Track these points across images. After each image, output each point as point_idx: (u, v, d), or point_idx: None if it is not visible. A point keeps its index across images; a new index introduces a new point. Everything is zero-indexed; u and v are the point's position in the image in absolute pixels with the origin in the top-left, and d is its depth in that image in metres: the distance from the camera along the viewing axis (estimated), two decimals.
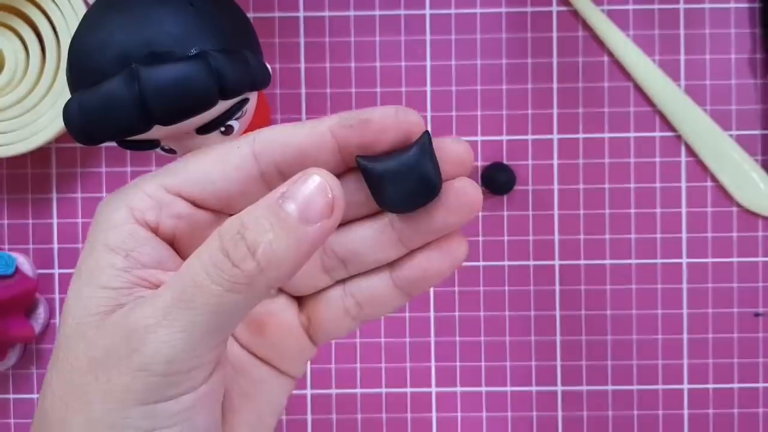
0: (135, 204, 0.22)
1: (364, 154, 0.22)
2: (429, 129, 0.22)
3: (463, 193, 0.22)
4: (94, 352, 0.20)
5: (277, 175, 0.22)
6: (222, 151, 0.22)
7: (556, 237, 0.43)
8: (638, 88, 0.43)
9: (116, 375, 0.20)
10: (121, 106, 0.30)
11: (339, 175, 0.22)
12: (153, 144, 0.33)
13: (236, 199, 0.22)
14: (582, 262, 0.43)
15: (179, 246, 0.22)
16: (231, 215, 0.21)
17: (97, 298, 0.21)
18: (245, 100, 0.34)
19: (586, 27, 0.43)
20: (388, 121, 0.22)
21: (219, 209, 0.22)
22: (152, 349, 0.19)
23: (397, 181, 0.22)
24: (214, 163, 0.22)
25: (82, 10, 0.40)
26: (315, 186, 0.20)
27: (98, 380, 0.20)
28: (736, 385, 0.42)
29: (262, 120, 0.41)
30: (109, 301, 0.21)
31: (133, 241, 0.21)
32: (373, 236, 0.23)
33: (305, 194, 0.20)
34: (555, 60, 0.43)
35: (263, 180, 0.22)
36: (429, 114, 0.43)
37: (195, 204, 0.22)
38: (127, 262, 0.21)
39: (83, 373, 0.20)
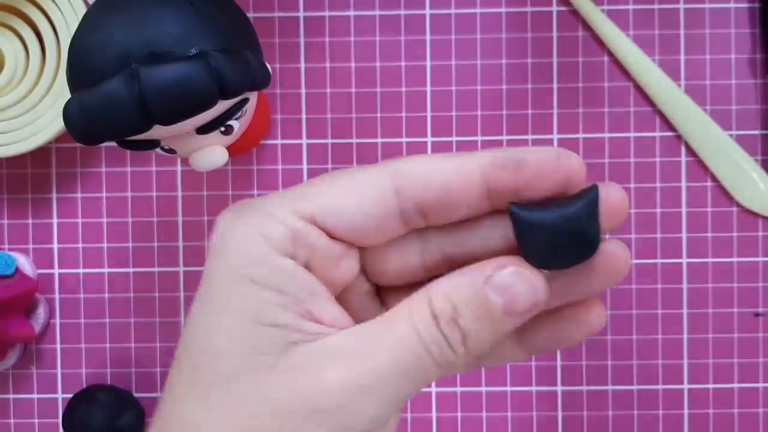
0: (270, 233, 0.20)
1: (516, 200, 0.20)
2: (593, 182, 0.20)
3: (616, 258, 0.21)
4: (277, 399, 0.20)
5: (415, 211, 0.21)
6: (360, 180, 0.21)
7: None
8: (638, 88, 0.43)
9: (307, 426, 0.19)
10: (121, 106, 0.30)
11: (481, 216, 0.21)
12: (153, 144, 0.33)
13: (370, 233, 0.21)
14: None
15: (314, 273, 0.21)
16: (360, 246, 0.21)
17: (263, 338, 0.20)
18: (245, 100, 0.34)
19: (586, 27, 0.43)
20: (547, 166, 0.20)
21: (350, 240, 0.21)
22: (359, 412, 0.19)
23: (554, 237, 0.19)
24: (352, 193, 0.21)
25: (82, 10, 0.40)
26: (525, 285, 0.20)
27: (282, 429, 0.19)
28: (736, 385, 0.43)
29: (261, 120, 0.41)
30: (278, 340, 0.20)
31: (283, 277, 0.20)
32: None
33: (513, 290, 0.20)
34: (555, 60, 0.43)
35: (401, 215, 0.21)
36: (429, 114, 0.43)
37: (328, 234, 0.21)
38: (281, 297, 0.20)
39: (258, 419, 0.20)
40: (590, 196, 0.19)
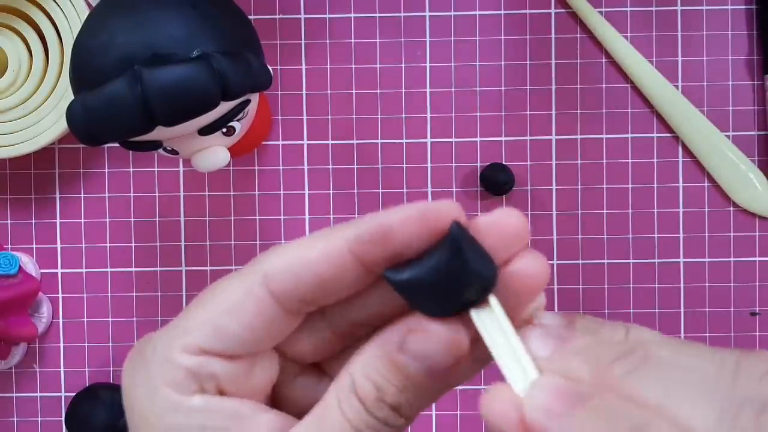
0: (167, 377, 0.20)
1: (392, 265, 0.19)
2: (457, 215, 0.19)
3: (524, 276, 0.19)
4: None
5: (298, 305, 0.20)
6: (232, 296, 0.20)
7: (555, 237, 0.43)
8: (636, 90, 0.43)
9: None
10: (124, 108, 0.30)
11: (369, 286, 0.20)
12: (155, 145, 0.33)
13: (264, 341, 0.20)
14: (580, 261, 0.43)
15: (230, 393, 0.21)
16: (258, 352, 0.20)
17: None
18: (247, 102, 0.34)
19: (585, 29, 0.43)
20: (413, 227, 0.19)
21: (248, 353, 0.20)
22: None
23: (436, 289, 0.18)
24: (229, 312, 0.20)
25: (85, 12, 0.40)
26: (437, 343, 0.19)
27: None
28: None
29: (263, 121, 0.41)
30: None
31: (199, 416, 0.20)
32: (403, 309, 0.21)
33: (428, 352, 0.19)
34: (553, 62, 0.43)
35: (287, 315, 0.20)
36: (429, 115, 0.43)
37: (222, 356, 0.20)
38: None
39: None
40: (450, 238, 0.18)
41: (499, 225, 0.19)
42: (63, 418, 0.43)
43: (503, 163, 0.43)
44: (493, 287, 0.18)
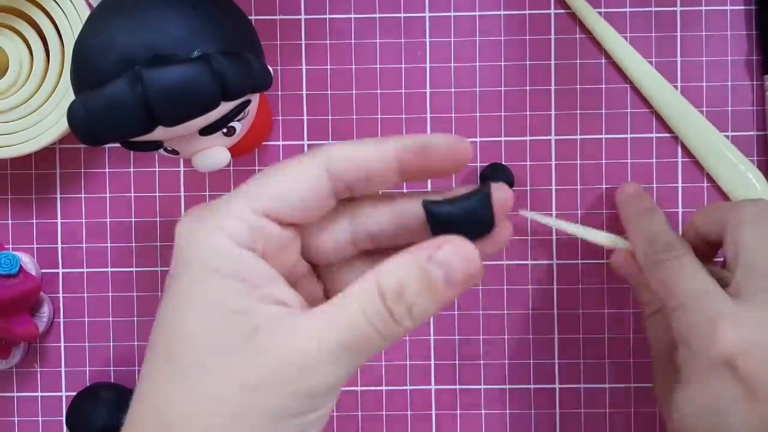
0: (231, 229, 0.23)
1: (428, 198, 0.24)
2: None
3: (503, 236, 0.25)
4: (247, 375, 0.22)
5: (344, 187, 0.24)
6: (297, 170, 0.24)
7: (554, 237, 0.43)
8: (635, 90, 0.43)
9: (274, 397, 0.22)
10: (125, 108, 0.30)
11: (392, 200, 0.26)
12: (156, 145, 0.33)
13: (312, 213, 0.25)
14: (579, 261, 0.43)
15: (269, 261, 0.24)
16: (301, 225, 0.25)
17: (231, 324, 0.23)
18: (247, 102, 0.34)
19: (584, 29, 0.43)
20: (444, 149, 0.24)
21: (296, 222, 0.25)
22: (318, 381, 0.22)
23: (459, 225, 0.24)
24: (293, 182, 0.24)
25: (86, 12, 0.40)
26: (461, 259, 0.23)
27: (252, 401, 0.22)
28: None
29: (263, 121, 0.41)
30: (244, 324, 0.23)
31: (244, 266, 0.23)
32: (410, 237, 0.26)
33: (452, 264, 0.23)
34: (553, 62, 0.43)
35: (333, 195, 0.25)
36: (429, 115, 0.43)
37: (279, 222, 0.24)
38: (245, 285, 0.23)
39: (229, 395, 0.22)
40: (484, 191, 0.24)
41: (499, 194, 0.25)
42: (64, 418, 0.43)
43: (503, 163, 0.43)
44: (490, 232, 0.24)
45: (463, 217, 0.24)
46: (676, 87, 0.43)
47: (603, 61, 0.43)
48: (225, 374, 0.22)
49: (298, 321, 0.23)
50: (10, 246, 0.44)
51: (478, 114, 0.43)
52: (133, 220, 0.44)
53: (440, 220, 0.24)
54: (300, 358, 0.22)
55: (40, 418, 0.44)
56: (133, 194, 0.44)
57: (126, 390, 0.43)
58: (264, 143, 0.43)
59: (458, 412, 0.43)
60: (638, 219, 0.37)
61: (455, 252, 0.23)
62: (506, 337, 0.43)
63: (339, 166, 0.24)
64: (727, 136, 0.43)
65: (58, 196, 0.44)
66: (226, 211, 0.23)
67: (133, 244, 0.44)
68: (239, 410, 0.22)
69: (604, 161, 0.43)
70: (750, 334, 0.30)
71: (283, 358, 0.22)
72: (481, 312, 0.43)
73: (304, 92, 0.43)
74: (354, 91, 0.43)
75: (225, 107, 0.33)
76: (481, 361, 0.43)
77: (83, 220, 0.44)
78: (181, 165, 0.44)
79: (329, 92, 0.43)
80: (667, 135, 0.43)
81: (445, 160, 0.24)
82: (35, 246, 0.44)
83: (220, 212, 0.24)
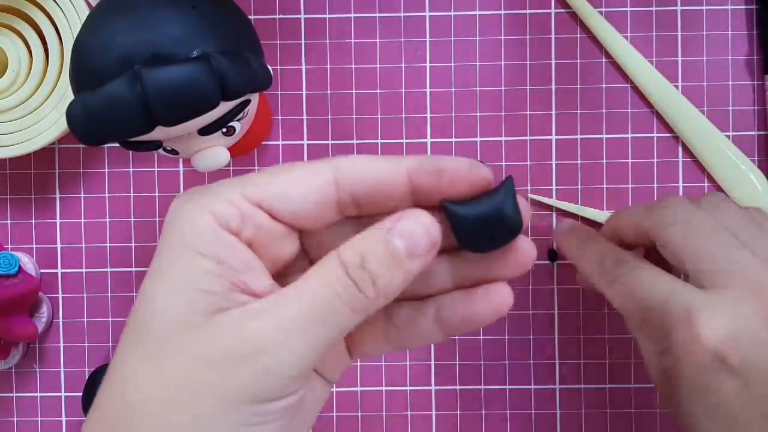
0: (218, 210, 0.23)
1: (448, 199, 0.24)
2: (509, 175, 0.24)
3: (524, 252, 0.25)
4: (206, 352, 0.22)
5: (350, 201, 0.24)
6: (304, 172, 0.24)
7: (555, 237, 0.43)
8: (636, 90, 0.43)
9: (232, 375, 0.21)
10: (124, 108, 0.30)
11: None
12: (155, 145, 0.33)
13: (309, 218, 0.24)
14: None
15: (256, 251, 0.24)
16: (300, 231, 0.24)
17: (197, 302, 0.22)
18: (247, 102, 0.34)
19: (585, 29, 0.43)
20: (460, 174, 0.24)
21: (292, 224, 0.24)
22: (279, 357, 0.21)
23: (485, 225, 0.23)
24: (296, 181, 0.24)
25: (85, 12, 0.40)
26: (420, 226, 0.23)
27: (209, 379, 0.21)
28: None
29: (262, 121, 0.41)
30: (209, 305, 0.22)
31: (223, 248, 0.23)
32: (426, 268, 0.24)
33: (412, 233, 0.23)
34: (553, 61, 0.43)
35: (337, 204, 0.24)
36: (429, 115, 0.43)
37: (272, 216, 0.24)
38: (219, 267, 0.23)
39: (188, 372, 0.21)
40: (507, 186, 0.23)
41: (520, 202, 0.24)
42: (63, 418, 0.43)
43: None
44: (518, 235, 0.23)
45: (491, 217, 0.23)
46: (676, 87, 0.43)
47: (603, 60, 0.43)
48: (186, 351, 0.22)
49: (262, 303, 0.22)
50: (9, 246, 0.44)
51: (478, 113, 0.43)
52: (132, 220, 0.44)
53: (466, 221, 0.23)
54: (258, 336, 0.22)
55: (39, 419, 0.44)
56: (132, 194, 0.44)
57: None
58: (264, 143, 0.43)
59: (458, 412, 0.43)
60: (581, 248, 0.36)
61: (414, 222, 0.23)
62: (506, 337, 0.43)
63: (347, 175, 0.24)
64: (727, 136, 0.42)
65: (57, 196, 0.44)
66: (218, 192, 0.23)
67: (133, 244, 0.44)
68: (198, 389, 0.21)
69: (604, 161, 0.43)
70: (730, 319, 0.29)
71: (243, 336, 0.22)
72: None
73: (304, 92, 0.43)
74: (354, 91, 0.43)
75: (224, 107, 0.33)
76: (482, 362, 0.43)
77: (82, 220, 0.44)
78: (181, 165, 0.44)
79: (329, 92, 0.43)
80: (668, 135, 0.43)
81: (461, 184, 0.24)
82: (34, 246, 0.44)
83: (211, 193, 0.23)
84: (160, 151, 0.34)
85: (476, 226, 0.23)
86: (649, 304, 0.31)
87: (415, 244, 0.23)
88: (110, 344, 0.44)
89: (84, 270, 0.44)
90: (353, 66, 0.43)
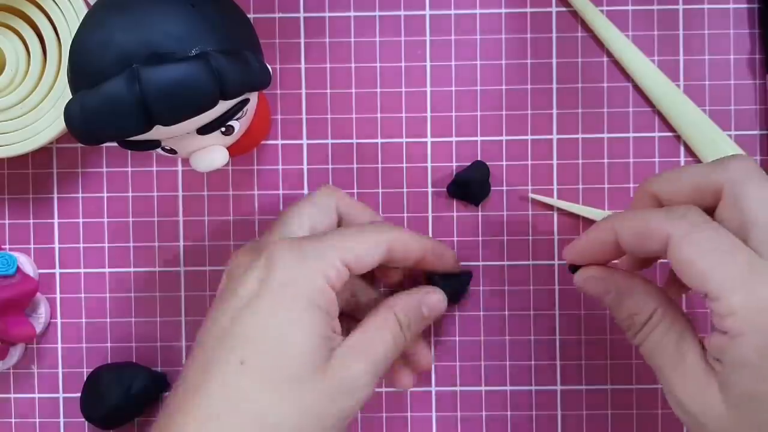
0: (330, 274, 0.33)
1: (436, 274, 0.40)
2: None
3: (424, 361, 0.41)
4: (328, 387, 0.32)
5: (388, 259, 0.36)
6: (373, 238, 0.35)
7: (555, 237, 0.43)
8: (637, 89, 0.43)
9: (341, 404, 0.32)
10: (123, 107, 0.30)
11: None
12: (154, 144, 0.33)
13: (368, 269, 0.35)
14: None
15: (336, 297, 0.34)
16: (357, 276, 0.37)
17: (323, 346, 0.32)
18: (246, 101, 0.34)
19: (586, 27, 0.43)
20: (450, 260, 0.40)
21: (361, 273, 0.35)
22: (369, 391, 0.33)
23: (454, 292, 0.41)
24: (370, 247, 0.35)
25: (83, 10, 0.40)
26: (439, 302, 0.38)
27: (329, 409, 0.32)
28: None
29: (262, 120, 0.41)
30: (323, 347, 0.32)
31: (332, 303, 0.33)
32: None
33: (435, 306, 0.38)
34: (554, 60, 0.43)
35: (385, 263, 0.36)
36: (429, 114, 0.43)
37: (353, 272, 0.34)
38: (328, 317, 0.33)
39: (317, 402, 0.32)
40: (465, 278, 0.42)
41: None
42: (61, 419, 0.43)
43: (472, 163, 0.43)
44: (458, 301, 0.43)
45: (456, 292, 0.41)
46: (678, 86, 0.42)
47: (605, 59, 0.43)
48: (316, 386, 0.31)
49: (354, 347, 0.34)
50: (7, 246, 0.44)
51: (478, 113, 0.43)
52: (130, 220, 0.44)
53: (445, 289, 0.39)
54: (358, 376, 0.33)
55: (36, 420, 0.44)
56: (130, 194, 0.43)
57: (126, 365, 0.42)
58: (263, 142, 0.43)
59: (458, 413, 0.43)
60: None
61: (436, 298, 0.38)
62: (507, 338, 0.43)
63: (396, 246, 0.35)
64: (730, 135, 0.42)
65: (55, 195, 0.44)
66: (329, 259, 0.33)
67: (131, 245, 0.44)
68: (322, 414, 0.32)
69: (605, 160, 0.43)
70: None
71: (352, 376, 0.32)
72: (481, 313, 0.43)
73: (303, 91, 0.43)
74: (354, 90, 0.43)
75: (223, 106, 0.32)
76: (482, 363, 0.43)
77: (80, 220, 0.44)
78: (179, 164, 0.43)
79: (328, 91, 0.43)
80: (670, 134, 0.43)
81: (443, 265, 0.39)
82: (32, 246, 0.44)
83: (321, 257, 0.33)
84: (159, 150, 0.34)
85: (450, 292, 0.39)
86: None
87: (435, 312, 0.38)
88: (108, 345, 0.44)
89: (82, 270, 0.44)
90: (353, 65, 0.43)
